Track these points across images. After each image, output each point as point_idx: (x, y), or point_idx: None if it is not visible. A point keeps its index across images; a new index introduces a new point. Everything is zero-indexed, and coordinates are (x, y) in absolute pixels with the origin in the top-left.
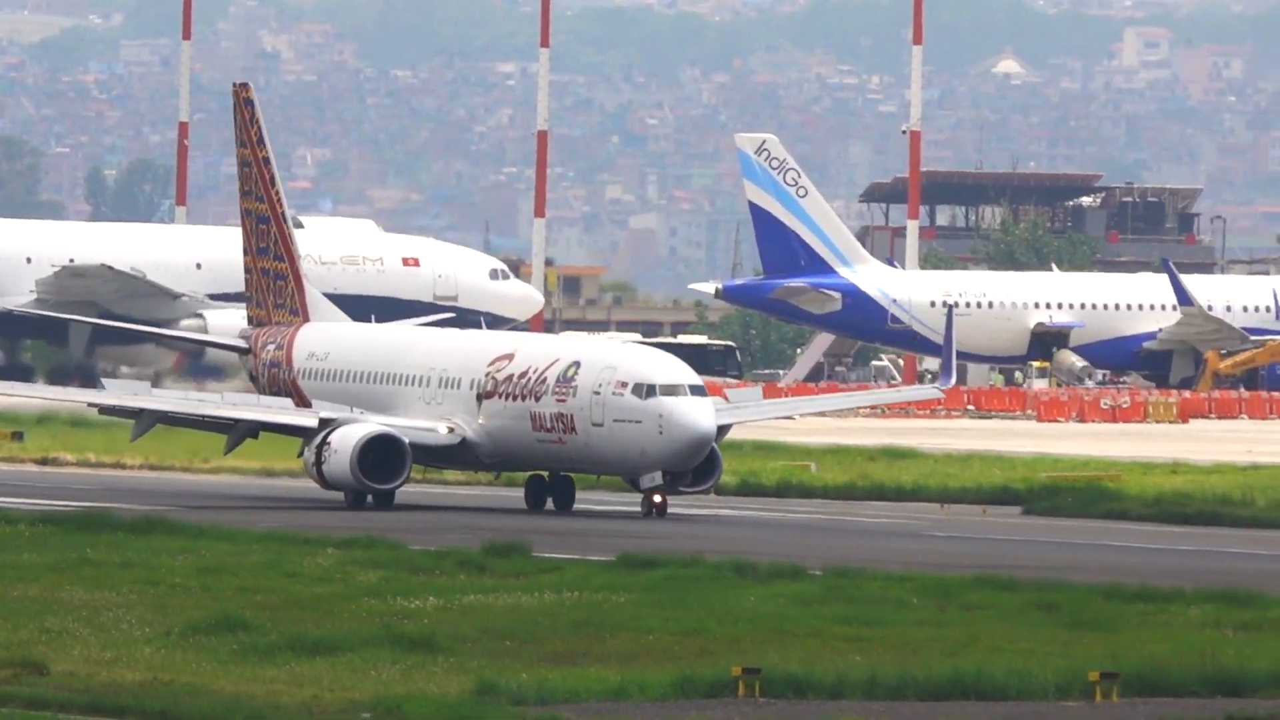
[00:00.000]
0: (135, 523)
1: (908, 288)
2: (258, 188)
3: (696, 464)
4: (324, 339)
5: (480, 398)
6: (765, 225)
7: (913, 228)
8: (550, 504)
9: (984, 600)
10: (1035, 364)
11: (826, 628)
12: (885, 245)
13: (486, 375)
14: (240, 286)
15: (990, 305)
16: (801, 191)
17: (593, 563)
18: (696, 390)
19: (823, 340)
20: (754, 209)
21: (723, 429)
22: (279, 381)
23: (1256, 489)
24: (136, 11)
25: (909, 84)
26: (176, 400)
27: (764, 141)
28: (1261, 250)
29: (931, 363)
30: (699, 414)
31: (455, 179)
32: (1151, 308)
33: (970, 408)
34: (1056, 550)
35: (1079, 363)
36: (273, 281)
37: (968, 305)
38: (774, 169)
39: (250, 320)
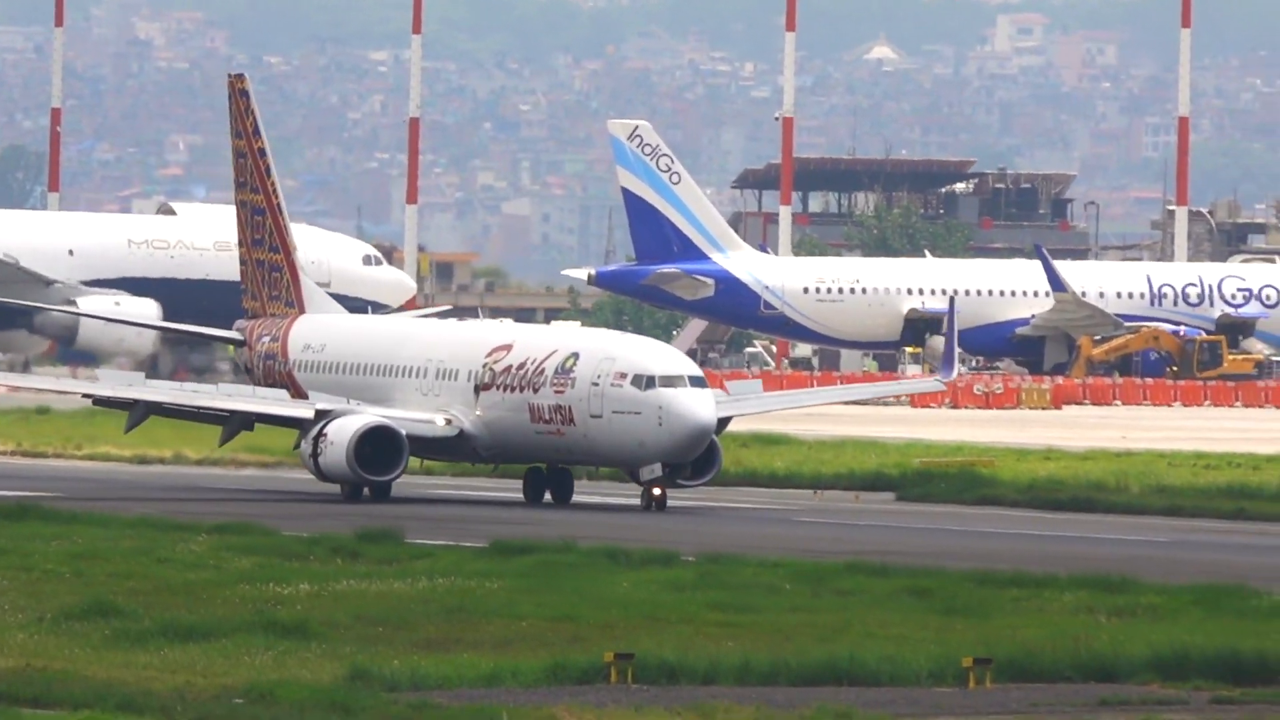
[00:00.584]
0: (8, 509)
1: (780, 274)
2: (253, 179)
3: (696, 456)
4: (320, 331)
5: (478, 389)
6: (638, 211)
7: (785, 214)
8: (548, 496)
9: (857, 586)
10: (908, 350)
11: (699, 613)
12: (758, 231)
13: (484, 367)
14: (112, 272)
15: (864, 291)
16: (674, 178)
17: (466, 549)
18: (696, 382)
19: (695, 326)
20: (627, 195)
21: (723, 421)
22: (274, 373)
23: (1130, 475)
24: None
25: (782, 70)
26: (171, 391)
27: (637, 128)
28: (1135, 236)
29: (804, 349)
30: (699, 406)
31: (328, 165)
32: (1025, 294)
33: None
34: (930, 536)
35: None
36: (268, 273)
37: (841, 292)
38: (647, 155)
39: (245, 312)
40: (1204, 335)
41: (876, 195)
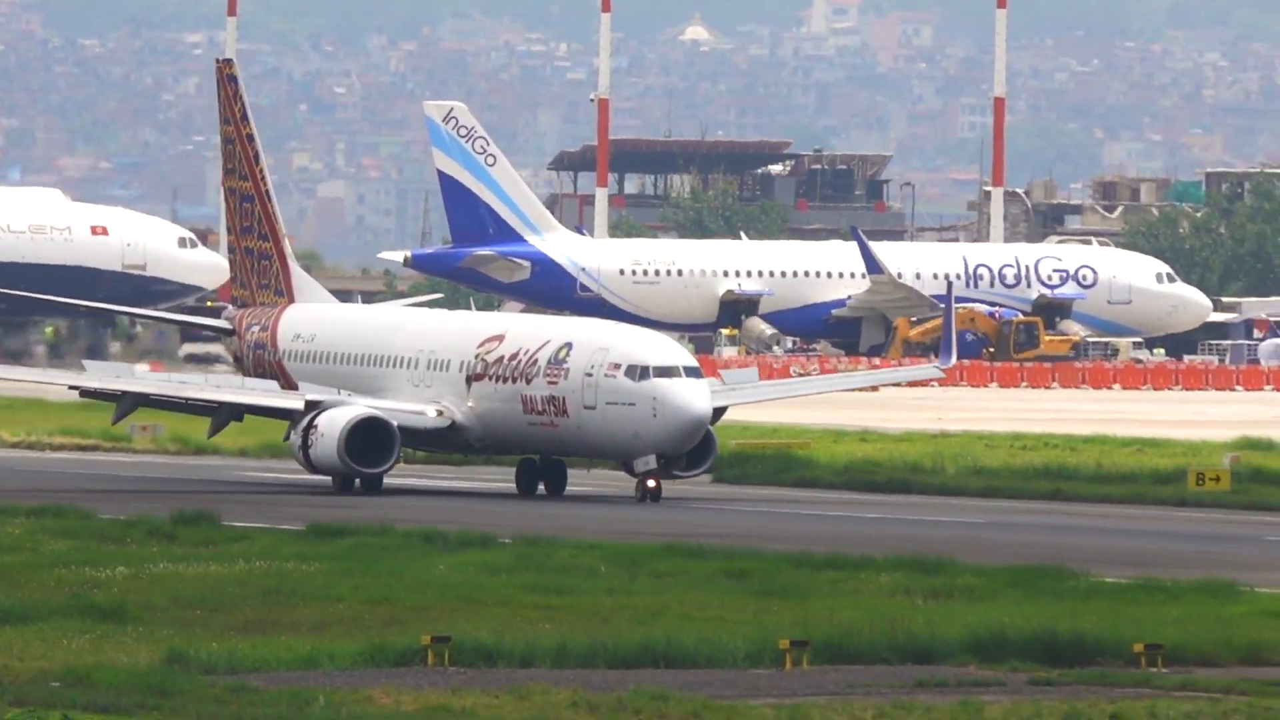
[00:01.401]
0: None
1: (597, 256)
2: (241, 166)
3: (691, 448)
4: (310, 320)
5: (470, 380)
6: (454, 193)
7: (602, 196)
8: (542, 488)
9: (673, 568)
10: (725, 331)
11: (516, 596)
12: (574, 213)
13: (476, 357)
14: None
15: (680, 273)
16: (490, 159)
17: (283, 531)
18: (692, 372)
19: (512, 309)
20: (442, 177)
21: (718, 411)
22: (264, 363)
23: (946, 456)
24: None
25: (597, 51)
26: (159, 383)
27: (452, 109)
28: (951, 217)
29: None
30: (694, 396)
31: (143, 147)
32: (841, 275)
33: None
34: (746, 518)
35: (768, 330)
36: (257, 261)
37: (657, 274)
38: (462, 137)
39: (234, 301)
40: (1020, 316)
41: (692, 177)
